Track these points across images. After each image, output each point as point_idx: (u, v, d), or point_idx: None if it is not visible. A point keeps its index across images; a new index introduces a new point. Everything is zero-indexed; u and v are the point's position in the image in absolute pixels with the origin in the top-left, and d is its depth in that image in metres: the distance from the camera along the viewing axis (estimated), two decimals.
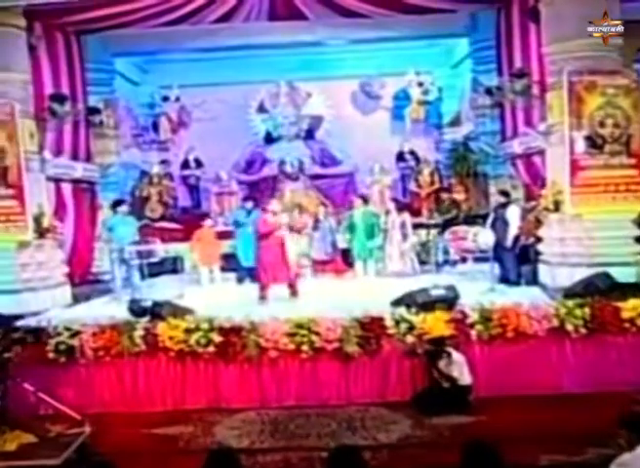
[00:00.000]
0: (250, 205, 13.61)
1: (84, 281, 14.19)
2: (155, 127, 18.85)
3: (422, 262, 13.97)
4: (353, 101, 19.11)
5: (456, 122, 18.09)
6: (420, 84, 18.35)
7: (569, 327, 8.80)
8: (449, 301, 9.29)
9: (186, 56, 17.66)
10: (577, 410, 8.04)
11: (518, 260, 11.81)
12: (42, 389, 8.37)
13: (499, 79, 13.30)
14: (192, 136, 18.79)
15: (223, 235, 14.32)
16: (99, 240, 14.79)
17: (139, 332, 8.81)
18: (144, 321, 9.09)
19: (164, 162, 18.31)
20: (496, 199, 12.67)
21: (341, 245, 14.03)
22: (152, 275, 12.78)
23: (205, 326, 8.75)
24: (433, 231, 14.76)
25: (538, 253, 11.70)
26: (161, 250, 12.15)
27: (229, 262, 13.86)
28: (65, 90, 13.96)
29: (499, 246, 11.30)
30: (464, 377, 8.37)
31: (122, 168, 16.65)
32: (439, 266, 14.00)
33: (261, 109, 18.94)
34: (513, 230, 11.42)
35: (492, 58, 15.07)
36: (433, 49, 18.32)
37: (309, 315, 9.05)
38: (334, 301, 10.41)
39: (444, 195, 16.19)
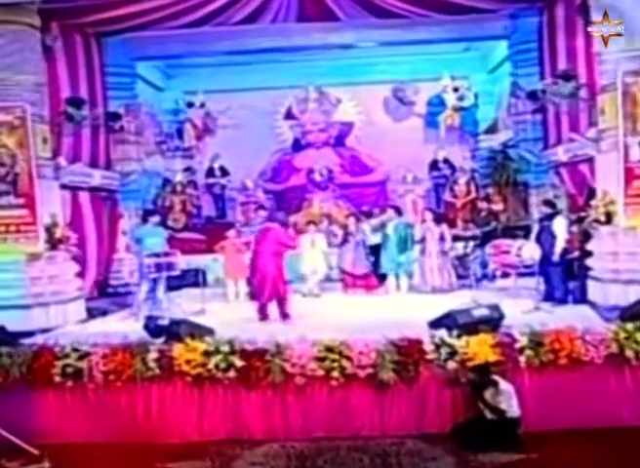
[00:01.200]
0: (262, 214, 12.86)
1: (102, 294, 13.65)
2: (179, 134, 18.41)
3: (459, 277, 13.16)
4: (385, 107, 18.59)
5: (492, 129, 17.48)
6: (456, 89, 17.79)
7: (629, 353, 7.95)
8: (493, 322, 8.48)
9: (212, 60, 17.18)
10: (638, 446, 7.31)
11: (564, 276, 10.93)
12: (46, 416, 7.84)
13: (543, 82, 12.43)
14: (217, 143, 18.35)
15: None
16: (119, 251, 14.32)
17: (152, 355, 8.04)
18: (159, 342, 8.32)
19: (188, 170, 17.84)
20: (540, 210, 11.79)
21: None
22: (173, 288, 12.25)
23: (225, 348, 7.96)
24: (471, 244, 13.85)
25: (586, 269, 10.83)
26: (181, 262, 11.57)
27: None
28: (84, 94, 13.45)
29: (544, 260, 10.57)
30: (513, 409, 7.54)
31: (144, 176, 16.00)
32: (477, 281, 13.12)
33: (289, 115, 18.42)
34: (561, 243, 10.59)
35: (533, 60, 14.39)
36: (469, 53, 17.91)
37: (339, 336, 8.25)
38: (366, 320, 9.81)
39: (482, 205, 15.33)
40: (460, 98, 17.78)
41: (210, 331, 8.66)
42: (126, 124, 14.95)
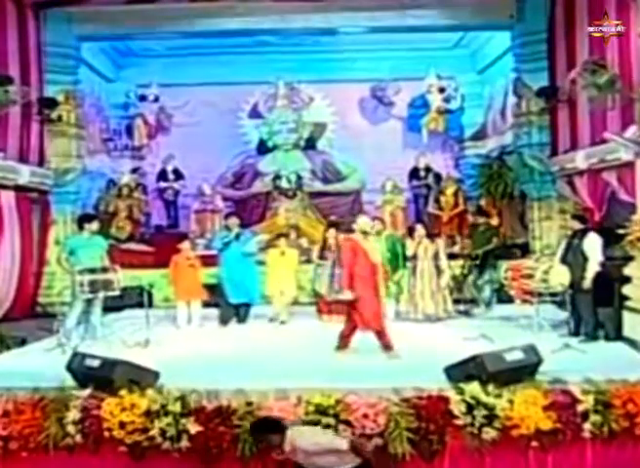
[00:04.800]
0: (235, 222, 10.76)
1: (27, 315, 11.69)
2: (129, 131, 16.93)
3: (454, 301, 11.16)
4: (362, 108, 17.35)
5: (480, 135, 16.52)
6: (442, 90, 16.52)
7: None
8: (529, 369, 6.46)
9: (168, 49, 15.98)
10: None
11: (594, 306, 8.98)
12: None
13: (574, 72, 10.38)
14: (172, 142, 16.84)
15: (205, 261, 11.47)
16: (50, 263, 12.54)
17: (73, 414, 5.82)
18: (84, 394, 6.06)
19: (136, 171, 16.23)
20: (568, 225, 9.82)
21: None
22: (112, 309, 10.50)
23: (176, 407, 5.75)
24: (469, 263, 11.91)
25: (622, 298, 8.86)
26: (123, 279, 9.41)
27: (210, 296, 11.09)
28: (14, 73, 11.71)
29: (572, 286, 8.70)
30: None
31: (86, 176, 14.26)
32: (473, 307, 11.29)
33: (255, 114, 17.14)
34: (594, 266, 8.64)
35: (541, 53, 12.92)
36: (457, 50, 16.74)
37: (325, 384, 6.19)
38: (357, 361, 7.66)
39: (480, 219, 13.43)
40: (447, 100, 16.51)
41: (154, 376, 6.49)
42: (65, 114, 13.40)
